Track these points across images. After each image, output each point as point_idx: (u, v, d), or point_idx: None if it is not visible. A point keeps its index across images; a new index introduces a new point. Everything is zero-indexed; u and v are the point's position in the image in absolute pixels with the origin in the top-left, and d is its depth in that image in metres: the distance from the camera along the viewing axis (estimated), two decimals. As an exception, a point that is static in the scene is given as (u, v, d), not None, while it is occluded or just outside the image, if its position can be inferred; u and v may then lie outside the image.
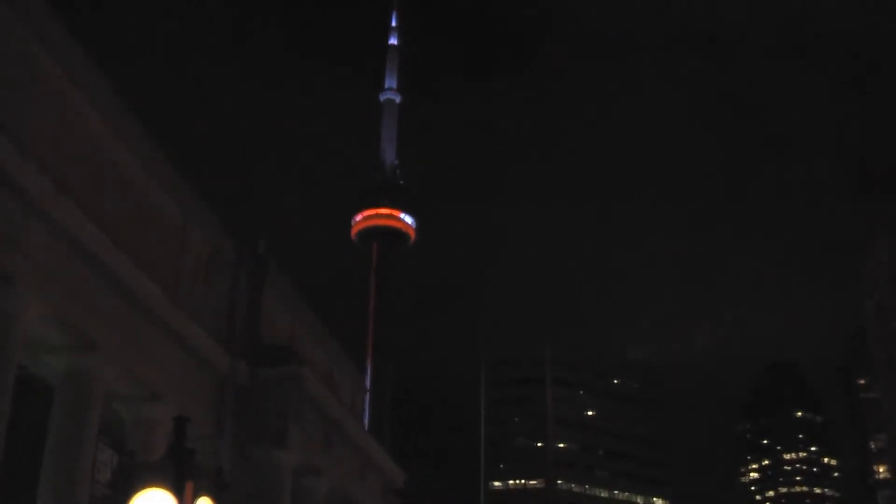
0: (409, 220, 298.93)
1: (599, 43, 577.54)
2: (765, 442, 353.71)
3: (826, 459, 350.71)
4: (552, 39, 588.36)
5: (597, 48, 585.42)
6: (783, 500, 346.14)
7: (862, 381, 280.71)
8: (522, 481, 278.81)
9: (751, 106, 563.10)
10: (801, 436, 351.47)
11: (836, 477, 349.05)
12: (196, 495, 18.18)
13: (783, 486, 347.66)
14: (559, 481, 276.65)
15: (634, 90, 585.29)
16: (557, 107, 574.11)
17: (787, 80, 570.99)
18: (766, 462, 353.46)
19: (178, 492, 17.97)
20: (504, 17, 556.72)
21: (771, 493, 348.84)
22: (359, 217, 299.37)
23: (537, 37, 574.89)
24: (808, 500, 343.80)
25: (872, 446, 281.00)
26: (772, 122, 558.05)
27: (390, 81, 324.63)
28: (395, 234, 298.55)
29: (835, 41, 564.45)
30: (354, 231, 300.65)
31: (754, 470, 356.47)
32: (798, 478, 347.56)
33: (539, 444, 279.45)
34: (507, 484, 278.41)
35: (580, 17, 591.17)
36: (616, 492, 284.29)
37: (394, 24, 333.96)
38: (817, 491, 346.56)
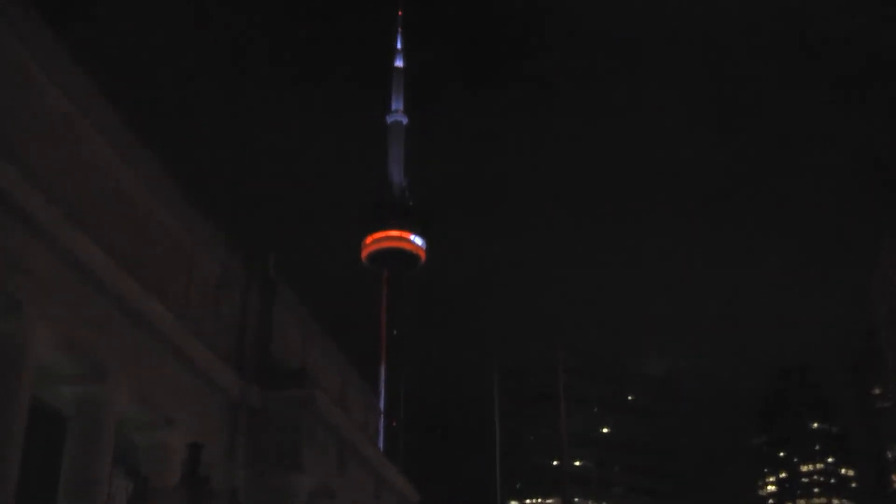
0: (418, 241, 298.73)
1: (600, 48, 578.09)
2: (781, 454, 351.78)
3: (843, 470, 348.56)
4: (553, 46, 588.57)
5: (598, 53, 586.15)
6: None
7: (877, 391, 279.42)
8: (539, 500, 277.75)
9: (755, 108, 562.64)
10: (817, 447, 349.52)
11: (853, 487, 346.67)
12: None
13: (801, 498, 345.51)
14: (576, 499, 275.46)
15: (637, 94, 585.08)
16: (562, 114, 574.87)
17: (791, 80, 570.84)
18: (783, 475, 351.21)
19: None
20: (504, 25, 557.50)
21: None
22: (369, 240, 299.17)
23: (537, 44, 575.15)
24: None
25: (889, 455, 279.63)
26: (777, 123, 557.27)
27: (397, 103, 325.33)
28: (405, 256, 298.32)
29: (838, 41, 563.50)
30: (365, 254, 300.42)
31: (771, 483, 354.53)
32: (816, 489, 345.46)
33: (555, 462, 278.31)
34: (524, 503, 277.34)
35: (580, 23, 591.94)
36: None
37: (399, 46, 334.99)
38: (836, 502, 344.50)
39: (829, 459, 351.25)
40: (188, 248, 54.12)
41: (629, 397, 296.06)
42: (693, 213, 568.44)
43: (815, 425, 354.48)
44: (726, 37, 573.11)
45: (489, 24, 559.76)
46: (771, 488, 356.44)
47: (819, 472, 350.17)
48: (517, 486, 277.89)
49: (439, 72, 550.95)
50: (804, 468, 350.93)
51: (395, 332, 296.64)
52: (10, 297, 38.07)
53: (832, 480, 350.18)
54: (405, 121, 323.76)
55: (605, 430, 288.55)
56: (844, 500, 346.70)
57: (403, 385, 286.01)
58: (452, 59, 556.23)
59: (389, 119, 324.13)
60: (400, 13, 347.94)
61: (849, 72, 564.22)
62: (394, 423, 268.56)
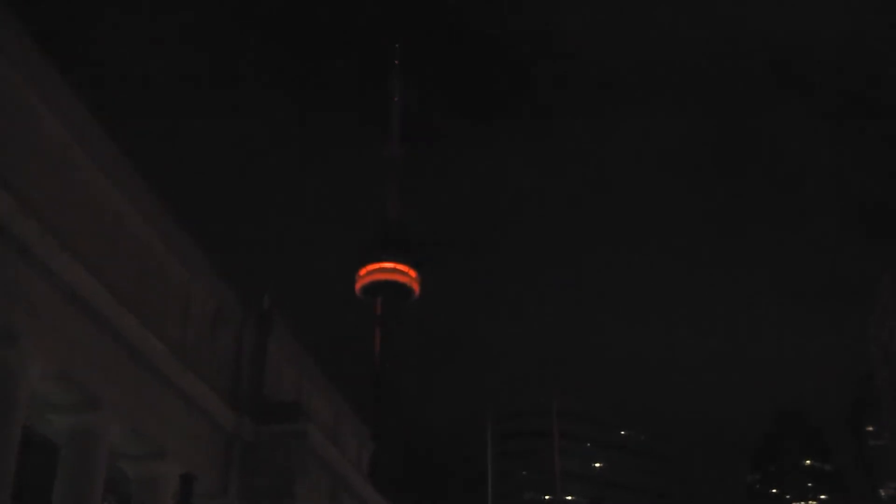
0: (412, 274, 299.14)
1: (598, 83, 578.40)
2: (774, 491, 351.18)
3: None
4: (551, 81, 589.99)
5: (595, 89, 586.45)
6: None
7: (870, 428, 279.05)
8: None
9: (751, 147, 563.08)
10: (810, 484, 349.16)
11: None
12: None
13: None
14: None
15: (634, 131, 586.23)
16: (558, 149, 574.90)
17: (785, 118, 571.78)
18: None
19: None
20: (502, 60, 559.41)
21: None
22: (363, 272, 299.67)
23: (535, 79, 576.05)
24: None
25: (882, 494, 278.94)
26: (772, 162, 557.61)
27: (393, 136, 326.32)
28: (398, 288, 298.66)
29: (834, 74, 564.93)
30: (359, 286, 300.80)
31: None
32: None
33: (547, 497, 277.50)
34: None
35: (577, 57, 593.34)
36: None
37: (395, 80, 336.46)
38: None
39: (822, 497, 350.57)
40: (185, 281, 54.13)
41: (622, 432, 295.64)
42: (688, 253, 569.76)
43: (808, 462, 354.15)
44: (721, 74, 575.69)
45: (487, 58, 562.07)
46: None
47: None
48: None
49: (436, 106, 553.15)
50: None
51: (387, 366, 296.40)
52: (6, 327, 38.04)
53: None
54: (401, 154, 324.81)
55: (597, 465, 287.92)
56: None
57: (396, 420, 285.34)
58: (449, 94, 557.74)
59: (385, 152, 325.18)
60: (397, 46, 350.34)
61: (843, 109, 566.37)
62: (386, 458, 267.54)
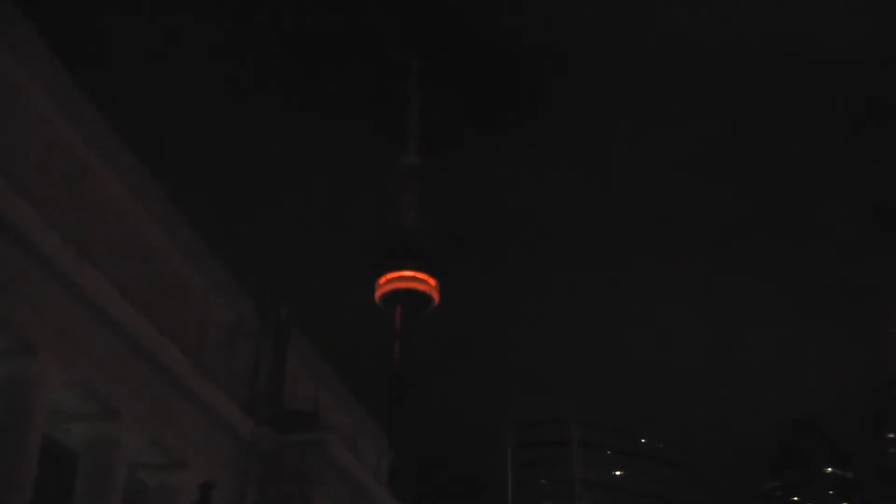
0: (432, 282, 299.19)
1: (611, 87, 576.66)
2: (795, 499, 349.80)
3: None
4: (568, 88, 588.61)
5: (608, 92, 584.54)
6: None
7: (891, 435, 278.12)
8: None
9: (762, 154, 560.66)
10: (830, 492, 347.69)
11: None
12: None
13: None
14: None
15: (647, 135, 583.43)
16: (573, 155, 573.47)
17: (796, 124, 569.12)
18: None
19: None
20: (519, 68, 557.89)
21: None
22: (382, 280, 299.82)
23: (552, 87, 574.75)
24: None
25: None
26: (786, 168, 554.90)
27: (411, 144, 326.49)
28: (418, 297, 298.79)
29: (849, 77, 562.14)
30: (378, 294, 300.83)
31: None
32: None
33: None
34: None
35: (590, 62, 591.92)
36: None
37: (413, 87, 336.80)
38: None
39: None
40: (203, 291, 54.32)
41: (641, 440, 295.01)
42: (705, 259, 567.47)
43: (829, 470, 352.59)
44: (735, 77, 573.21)
45: (504, 66, 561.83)
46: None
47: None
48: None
49: (454, 114, 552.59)
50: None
51: (406, 374, 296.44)
52: (25, 337, 38.26)
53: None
54: (419, 161, 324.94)
55: (617, 473, 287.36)
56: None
57: (414, 429, 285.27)
58: (468, 102, 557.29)
59: (403, 160, 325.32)
60: (414, 56, 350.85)
61: (858, 112, 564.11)
62: (405, 467, 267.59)
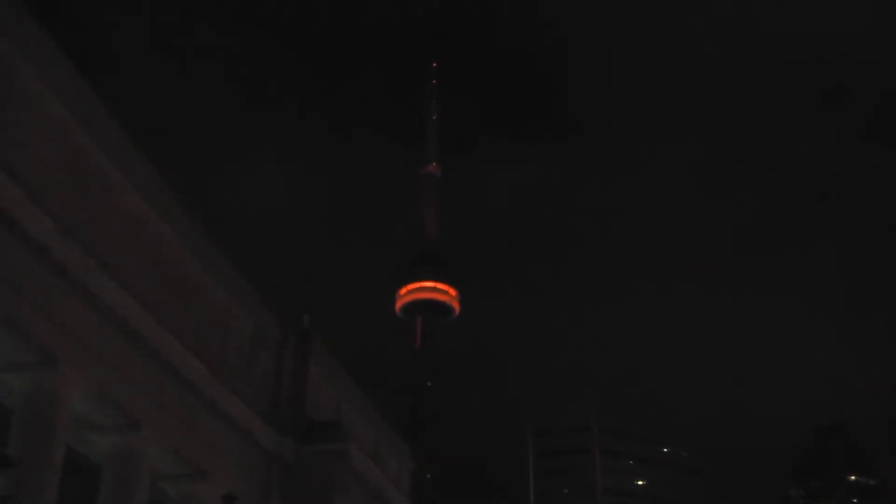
0: (453, 292, 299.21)
1: (629, 93, 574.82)
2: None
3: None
4: (588, 97, 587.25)
5: (627, 98, 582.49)
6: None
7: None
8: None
9: (784, 156, 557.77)
10: (854, 500, 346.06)
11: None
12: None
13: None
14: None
15: (665, 142, 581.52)
16: (592, 163, 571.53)
17: (816, 128, 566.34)
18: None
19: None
20: (537, 77, 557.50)
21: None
22: (403, 291, 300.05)
23: (571, 95, 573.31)
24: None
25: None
26: (807, 172, 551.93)
27: (431, 155, 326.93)
28: (439, 307, 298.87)
29: (869, 84, 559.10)
30: (399, 305, 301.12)
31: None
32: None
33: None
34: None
35: (609, 70, 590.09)
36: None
37: (433, 99, 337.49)
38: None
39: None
40: (224, 303, 54.45)
41: (664, 449, 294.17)
42: (725, 268, 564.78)
43: (852, 478, 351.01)
44: (754, 86, 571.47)
45: (523, 75, 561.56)
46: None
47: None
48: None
49: (473, 124, 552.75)
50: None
51: (428, 384, 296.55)
52: (47, 349, 38.42)
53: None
54: (439, 172, 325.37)
55: (639, 483, 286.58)
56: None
57: (435, 439, 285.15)
58: (487, 111, 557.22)
59: (423, 170, 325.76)
60: (434, 65, 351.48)
61: (879, 119, 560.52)
62: (428, 476, 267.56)
